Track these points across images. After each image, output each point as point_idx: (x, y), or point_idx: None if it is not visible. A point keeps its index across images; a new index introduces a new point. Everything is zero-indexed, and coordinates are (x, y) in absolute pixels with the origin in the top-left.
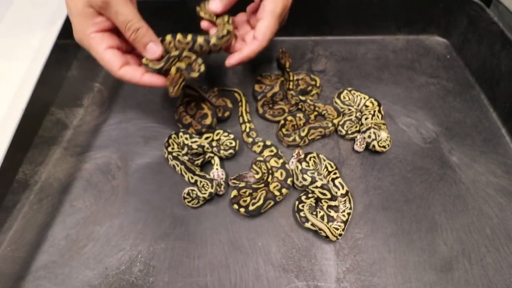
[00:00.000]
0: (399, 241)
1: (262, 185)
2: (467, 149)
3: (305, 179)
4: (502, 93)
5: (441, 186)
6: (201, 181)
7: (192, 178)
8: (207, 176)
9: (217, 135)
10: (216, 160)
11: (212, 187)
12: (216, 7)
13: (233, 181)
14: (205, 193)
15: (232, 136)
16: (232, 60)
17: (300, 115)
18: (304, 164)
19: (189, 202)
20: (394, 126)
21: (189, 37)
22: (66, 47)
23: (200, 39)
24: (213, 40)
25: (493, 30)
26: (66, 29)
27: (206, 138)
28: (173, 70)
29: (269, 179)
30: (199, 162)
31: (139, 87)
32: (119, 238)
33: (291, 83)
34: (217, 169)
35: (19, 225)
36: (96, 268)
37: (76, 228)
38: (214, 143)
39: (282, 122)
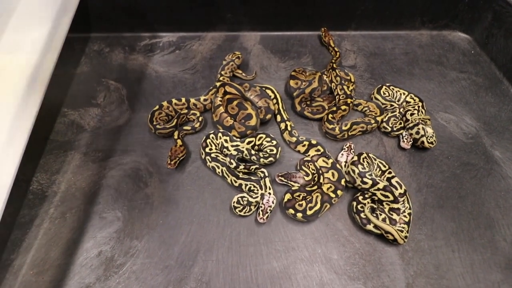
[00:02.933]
0: (460, 240)
1: (315, 187)
2: (508, 143)
3: (365, 183)
4: None
5: (490, 182)
6: (246, 184)
7: (235, 181)
8: (252, 178)
9: (259, 139)
10: (267, 182)
11: (261, 187)
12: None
13: (280, 177)
14: (256, 197)
15: (274, 142)
16: None
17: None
18: (360, 167)
19: (241, 211)
20: (434, 121)
21: (183, 99)
22: (72, 41)
23: (192, 99)
24: (202, 98)
25: None
26: (74, 20)
27: (249, 143)
28: (179, 142)
29: (321, 180)
30: (242, 169)
31: (162, 84)
32: (162, 253)
33: (336, 58)
34: (269, 193)
35: (41, 244)
36: None
37: (109, 244)
38: (253, 151)
39: (334, 108)
